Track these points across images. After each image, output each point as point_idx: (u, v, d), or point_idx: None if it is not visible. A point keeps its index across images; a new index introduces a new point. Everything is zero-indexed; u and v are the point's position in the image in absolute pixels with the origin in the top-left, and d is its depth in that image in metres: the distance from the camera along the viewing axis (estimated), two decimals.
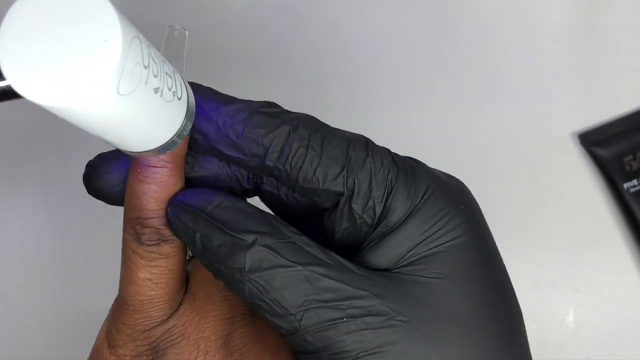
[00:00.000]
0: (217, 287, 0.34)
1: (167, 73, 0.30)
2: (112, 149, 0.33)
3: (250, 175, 0.34)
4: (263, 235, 0.29)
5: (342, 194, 0.31)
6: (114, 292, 0.34)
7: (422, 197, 0.31)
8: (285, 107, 0.32)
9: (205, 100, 0.32)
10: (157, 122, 0.31)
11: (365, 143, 0.32)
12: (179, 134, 0.33)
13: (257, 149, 0.31)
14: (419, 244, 0.30)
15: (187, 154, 0.33)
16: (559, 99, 0.66)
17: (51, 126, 0.61)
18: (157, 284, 0.32)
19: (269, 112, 0.31)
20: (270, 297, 0.28)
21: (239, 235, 0.29)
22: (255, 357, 0.33)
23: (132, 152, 0.33)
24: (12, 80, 0.25)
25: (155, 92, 0.29)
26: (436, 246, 0.30)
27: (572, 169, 0.64)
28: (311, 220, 0.34)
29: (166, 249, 0.32)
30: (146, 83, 0.28)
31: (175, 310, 0.33)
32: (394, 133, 0.62)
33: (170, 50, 0.34)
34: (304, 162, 0.31)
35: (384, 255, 0.31)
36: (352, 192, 0.31)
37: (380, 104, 0.64)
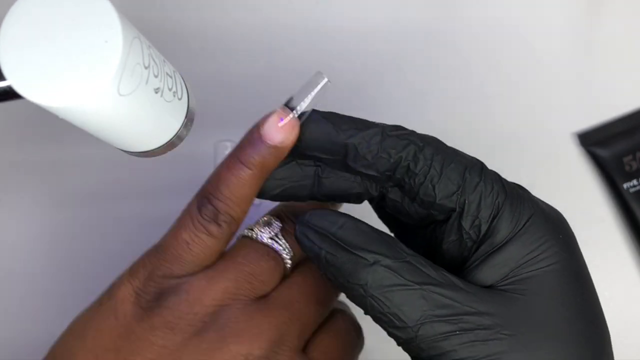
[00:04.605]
0: (234, 267, 0.37)
1: (167, 73, 0.30)
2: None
3: (378, 185, 0.38)
4: (383, 255, 0.32)
5: (454, 210, 0.35)
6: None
7: (525, 223, 0.34)
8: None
9: (344, 128, 0.35)
10: (158, 122, 0.31)
11: (480, 168, 0.36)
12: (179, 134, 0.33)
13: (388, 166, 0.35)
14: (521, 265, 0.33)
15: (317, 165, 0.38)
16: (558, 98, 0.66)
17: (50, 126, 0.61)
18: (191, 249, 0.36)
19: (399, 134, 0.35)
20: (390, 311, 0.31)
21: (362, 255, 0.32)
22: (236, 335, 0.35)
23: (132, 152, 0.33)
24: (13, 81, 0.25)
25: (156, 92, 0.29)
26: (536, 269, 0.33)
27: (572, 169, 0.64)
28: (423, 231, 0.38)
29: (213, 229, 0.36)
30: (147, 83, 0.28)
31: (193, 274, 0.36)
32: None
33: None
34: (425, 178, 0.35)
35: (489, 273, 0.34)
36: (463, 210, 0.35)
37: (379, 104, 0.64)
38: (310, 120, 0.36)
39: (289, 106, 0.36)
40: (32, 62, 0.25)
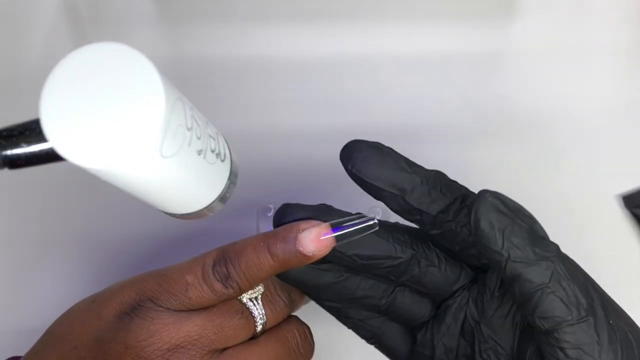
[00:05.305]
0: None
1: (210, 135, 0.30)
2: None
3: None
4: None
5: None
6: None
7: None
8: None
9: (411, 164, 0.37)
10: (200, 185, 0.30)
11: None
12: (221, 197, 0.32)
13: (443, 206, 0.37)
14: None
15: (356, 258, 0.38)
16: (602, 161, 0.65)
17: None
18: (187, 292, 0.37)
19: (450, 180, 0.38)
20: (565, 284, 0.33)
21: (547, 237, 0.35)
22: None
23: (173, 214, 0.32)
24: (55, 143, 0.25)
25: (199, 154, 0.28)
26: None
27: (616, 230, 0.63)
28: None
29: (218, 287, 0.36)
30: (189, 145, 0.27)
31: (172, 310, 0.37)
32: None
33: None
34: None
35: None
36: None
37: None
38: (384, 153, 0.37)
39: (333, 226, 0.36)
40: (74, 125, 0.25)
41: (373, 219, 0.37)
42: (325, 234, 0.36)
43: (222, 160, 0.31)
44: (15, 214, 0.63)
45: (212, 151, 0.30)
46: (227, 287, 0.37)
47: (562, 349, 0.32)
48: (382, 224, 0.39)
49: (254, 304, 0.39)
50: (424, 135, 0.66)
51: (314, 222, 0.37)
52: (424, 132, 0.66)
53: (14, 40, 0.72)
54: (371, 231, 0.37)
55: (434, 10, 0.73)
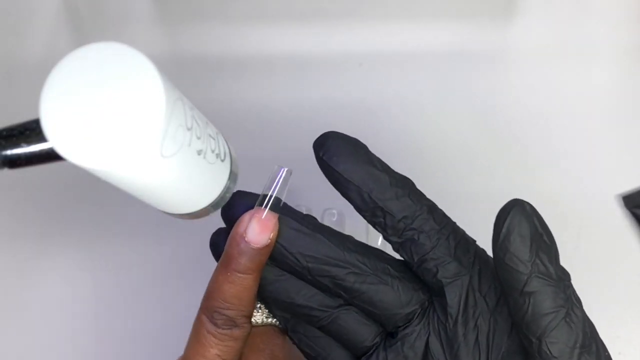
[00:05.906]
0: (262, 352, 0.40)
1: (210, 135, 0.30)
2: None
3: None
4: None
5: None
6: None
7: None
8: None
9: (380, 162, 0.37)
10: (200, 185, 0.30)
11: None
12: (221, 196, 0.32)
13: (410, 212, 0.36)
14: None
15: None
16: (602, 161, 0.65)
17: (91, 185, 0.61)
18: (224, 359, 0.37)
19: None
20: (578, 312, 0.33)
21: None
22: None
23: (174, 214, 0.32)
24: (55, 143, 0.25)
25: (199, 154, 0.28)
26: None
27: (616, 230, 0.63)
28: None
29: (237, 332, 0.37)
30: (189, 145, 0.27)
31: None
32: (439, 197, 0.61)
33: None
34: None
35: None
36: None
37: (418, 170, 0.64)
38: (357, 147, 0.37)
39: (261, 204, 0.35)
40: (74, 125, 0.25)
41: (282, 169, 0.36)
42: (263, 217, 0.35)
43: (222, 160, 0.31)
44: (16, 214, 0.63)
45: (212, 151, 0.30)
46: (240, 327, 0.37)
47: None
48: (334, 232, 0.38)
49: (268, 317, 0.41)
50: (422, 135, 0.66)
51: (245, 216, 0.35)
52: (422, 132, 0.66)
53: (14, 40, 0.72)
54: (285, 176, 0.36)
55: (434, 9, 0.73)
